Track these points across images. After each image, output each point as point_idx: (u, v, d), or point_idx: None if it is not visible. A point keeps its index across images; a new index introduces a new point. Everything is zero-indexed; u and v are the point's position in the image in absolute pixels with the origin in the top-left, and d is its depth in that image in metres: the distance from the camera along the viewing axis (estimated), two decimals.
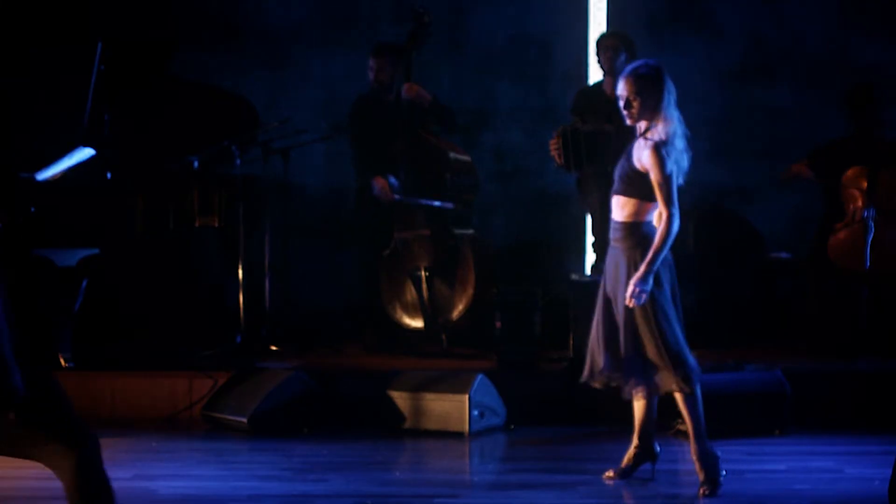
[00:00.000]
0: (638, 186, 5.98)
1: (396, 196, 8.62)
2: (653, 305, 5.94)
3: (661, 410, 7.09)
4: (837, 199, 8.43)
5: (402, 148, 8.69)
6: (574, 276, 8.43)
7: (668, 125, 5.90)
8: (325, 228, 9.82)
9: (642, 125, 5.99)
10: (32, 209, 7.84)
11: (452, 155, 8.74)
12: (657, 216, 6.02)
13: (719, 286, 9.03)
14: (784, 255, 9.06)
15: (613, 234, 6.10)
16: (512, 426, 7.48)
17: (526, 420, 7.49)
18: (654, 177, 5.89)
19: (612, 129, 8.13)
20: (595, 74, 9.19)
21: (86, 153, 8.14)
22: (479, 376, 7.47)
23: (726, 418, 7.16)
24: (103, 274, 8.19)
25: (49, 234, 7.93)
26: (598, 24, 9.39)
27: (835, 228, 8.39)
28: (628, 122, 6.01)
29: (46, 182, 7.97)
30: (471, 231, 8.83)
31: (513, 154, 9.93)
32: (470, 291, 8.59)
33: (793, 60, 9.73)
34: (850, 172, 8.36)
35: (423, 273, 8.65)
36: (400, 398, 7.52)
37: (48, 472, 4.06)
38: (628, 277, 5.97)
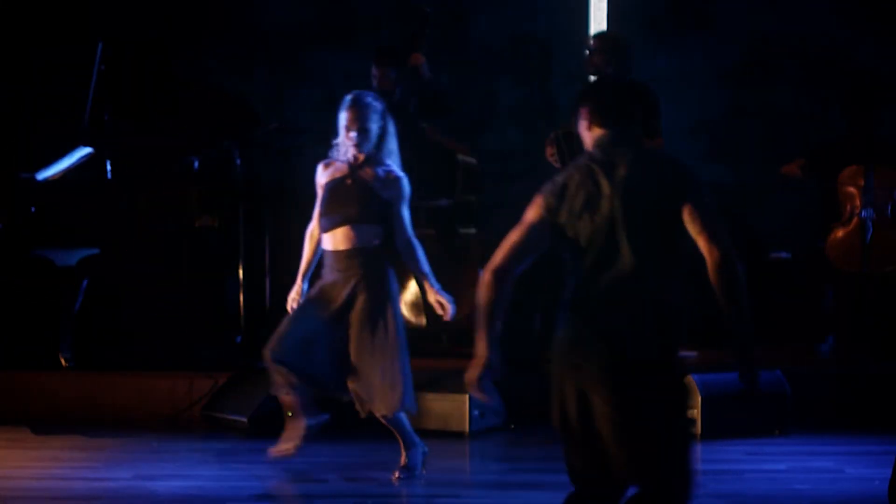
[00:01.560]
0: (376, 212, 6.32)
1: None
2: None
3: None
4: (835, 199, 8.42)
5: (409, 151, 8.67)
6: None
7: (393, 154, 6.31)
8: None
9: (366, 153, 6.24)
10: (32, 209, 7.84)
11: (460, 157, 8.76)
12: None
13: None
14: (784, 254, 9.05)
15: None
16: (512, 426, 7.48)
17: (526, 420, 7.48)
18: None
19: None
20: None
21: (85, 153, 8.16)
22: None
23: (726, 418, 7.16)
24: (103, 274, 8.19)
25: (49, 234, 7.92)
26: (598, 23, 9.36)
27: (832, 228, 8.39)
28: (355, 152, 6.25)
29: (46, 182, 7.98)
30: (474, 230, 8.82)
31: (514, 154, 9.91)
32: (473, 292, 8.56)
33: (793, 60, 9.71)
34: (846, 172, 8.36)
35: None
36: None
37: (47, 471, 4.01)
38: None
